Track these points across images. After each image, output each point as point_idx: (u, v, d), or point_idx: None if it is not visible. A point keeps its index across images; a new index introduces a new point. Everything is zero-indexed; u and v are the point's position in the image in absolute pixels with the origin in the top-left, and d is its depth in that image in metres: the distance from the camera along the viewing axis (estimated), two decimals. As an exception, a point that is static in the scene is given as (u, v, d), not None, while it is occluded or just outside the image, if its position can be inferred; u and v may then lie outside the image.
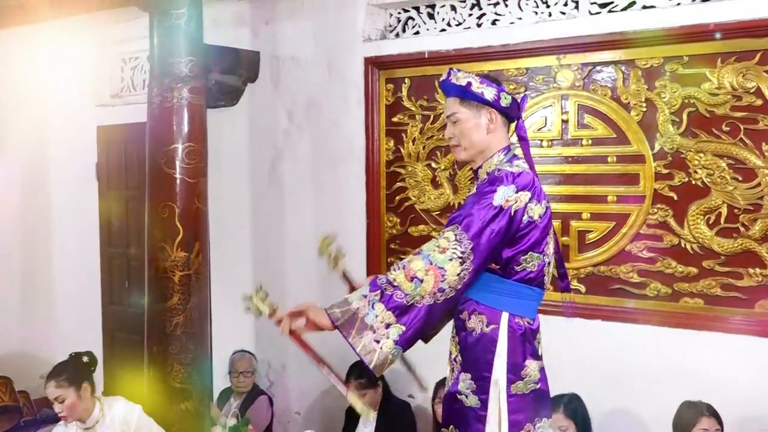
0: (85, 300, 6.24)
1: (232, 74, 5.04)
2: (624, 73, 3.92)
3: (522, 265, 2.54)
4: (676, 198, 3.81)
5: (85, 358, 3.85)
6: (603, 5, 4.00)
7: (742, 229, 3.66)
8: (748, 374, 3.61)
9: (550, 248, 2.64)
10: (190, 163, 4.13)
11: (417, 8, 4.61)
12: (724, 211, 3.69)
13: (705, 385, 3.59)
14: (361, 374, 4.17)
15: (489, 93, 2.61)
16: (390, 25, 4.73)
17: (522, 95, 3.74)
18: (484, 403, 2.55)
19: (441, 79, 2.74)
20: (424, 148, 4.55)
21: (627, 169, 3.93)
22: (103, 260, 6.19)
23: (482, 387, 2.56)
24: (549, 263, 2.64)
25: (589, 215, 4.04)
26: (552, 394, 3.31)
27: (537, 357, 2.61)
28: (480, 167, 2.67)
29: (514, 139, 2.76)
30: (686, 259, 3.79)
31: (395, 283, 2.41)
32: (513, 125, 2.74)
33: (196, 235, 4.18)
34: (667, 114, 3.80)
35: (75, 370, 3.75)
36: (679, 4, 3.78)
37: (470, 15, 4.41)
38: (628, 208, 3.93)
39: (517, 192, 2.49)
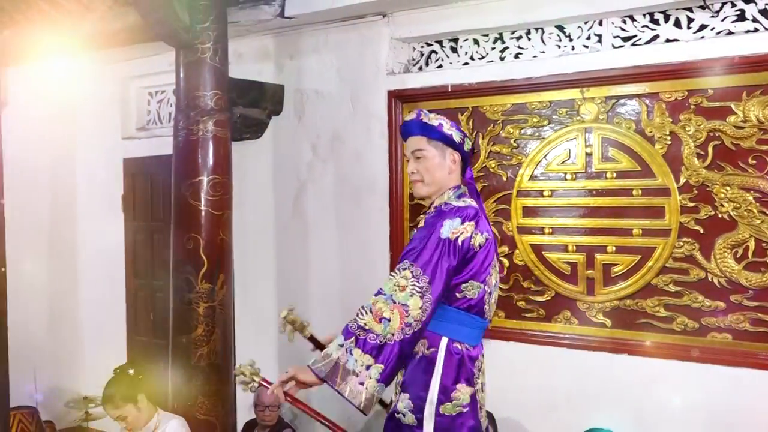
0: (111, 331, 6.27)
1: (257, 107, 5.09)
2: (648, 106, 3.91)
3: (463, 292, 2.72)
4: (702, 231, 3.77)
5: (131, 371, 3.85)
6: (626, 39, 4.01)
7: (770, 263, 3.62)
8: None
9: (492, 280, 2.81)
10: (215, 195, 4.15)
11: (440, 42, 4.63)
12: (752, 245, 3.65)
13: (733, 422, 3.54)
14: None
15: (457, 136, 2.87)
16: (413, 59, 4.75)
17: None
18: (420, 422, 2.70)
19: (407, 119, 2.92)
20: (447, 180, 4.54)
21: (652, 202, 3.91)
22: (129, 291, 6.24)
23: (419, 406, 2.71)
24: (490, 293, 2.80)
25: (614, 248, 4.01)
26: (585, 428, 3.27)
27: (470, 383, 2.73)
28: (433, 202, 2.90)
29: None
30: (713, 294, 3.75)
31: (366, 327, 2.59)
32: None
33: (221, 266, 4.19)
34: (692, 147, 3.78)
35: (126, 386, 3.75)
36: (702, 37, 3.78)
37: (493, 48, 4.43)
38: (653, 242, 3.90)
39: (462, 223, 2.70)
